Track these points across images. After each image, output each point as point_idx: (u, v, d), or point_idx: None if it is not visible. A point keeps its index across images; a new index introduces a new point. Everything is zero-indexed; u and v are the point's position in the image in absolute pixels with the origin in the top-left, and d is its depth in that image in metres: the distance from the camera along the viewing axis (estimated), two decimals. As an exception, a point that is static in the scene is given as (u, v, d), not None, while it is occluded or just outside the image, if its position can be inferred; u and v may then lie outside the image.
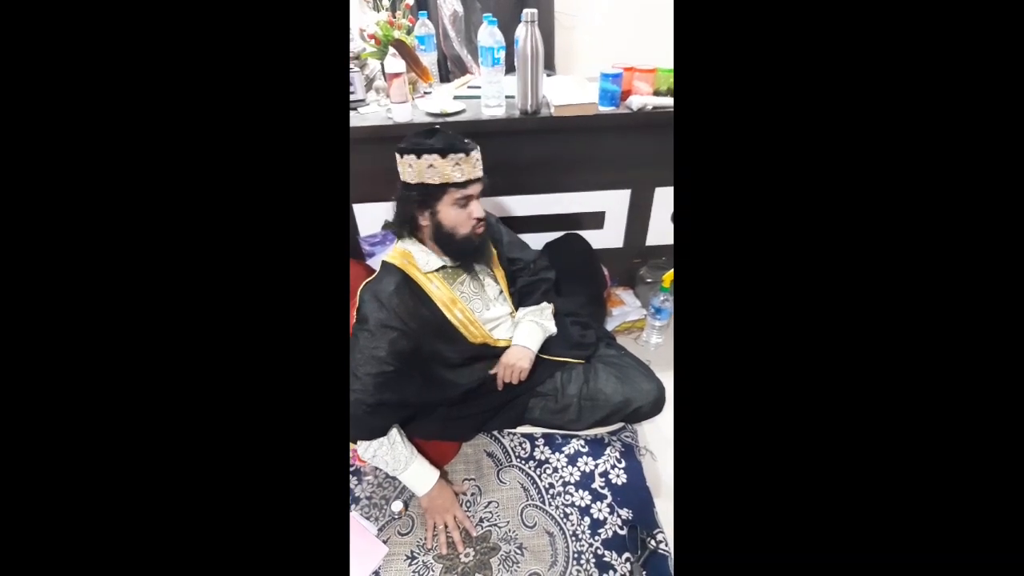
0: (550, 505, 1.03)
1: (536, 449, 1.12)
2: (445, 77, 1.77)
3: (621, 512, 1.01)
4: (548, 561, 0.95)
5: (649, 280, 1.54)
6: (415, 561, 0.96)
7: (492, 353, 1.09)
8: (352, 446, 1.00)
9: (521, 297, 1.14)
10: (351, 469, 1.12)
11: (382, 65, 1.32)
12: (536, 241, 1.36)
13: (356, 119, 1.25)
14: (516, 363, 1.05)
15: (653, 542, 0.96)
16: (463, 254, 1.01)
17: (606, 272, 1.47)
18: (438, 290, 1.00)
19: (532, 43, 1.13)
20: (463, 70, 1.70)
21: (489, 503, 1.04)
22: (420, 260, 0.99)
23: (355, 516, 1.03)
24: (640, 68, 1.27)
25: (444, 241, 0.98)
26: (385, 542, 0.99)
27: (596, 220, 1.45)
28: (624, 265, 1.57)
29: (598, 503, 1.02)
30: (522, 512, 1.02)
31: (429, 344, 1.00)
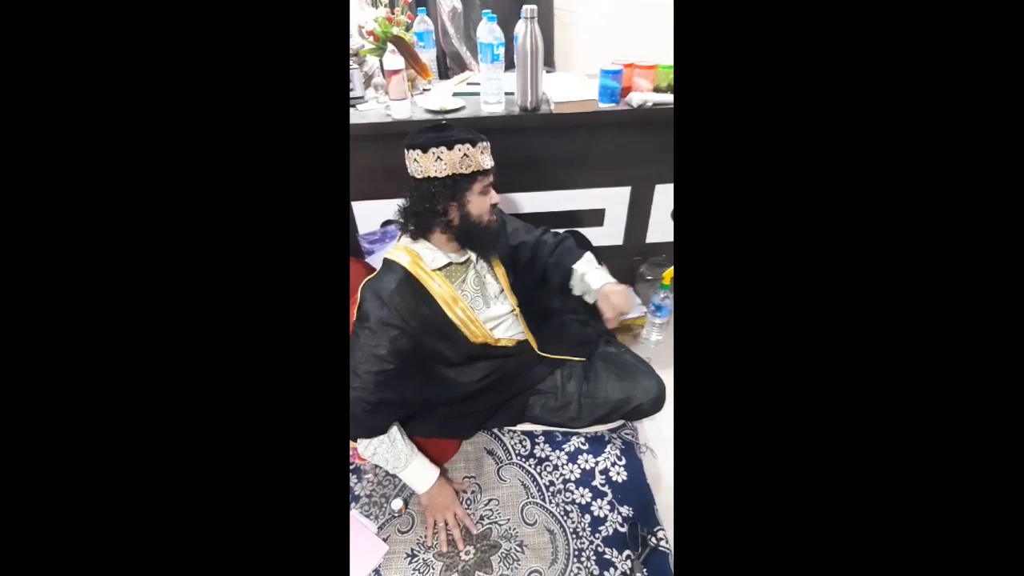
0: (551, 503, 1.03)
1: (536, 447, 1.12)
2: (444, 74, 1.76)
3: (622, 509, 1.01)
4: (549, 559, 0.95)
5: (649, 277, 1.54)
6: (415, 559, 0.96)
7: (492, 353, 1.08)
8: (352, 444, 1.00)
9: (561, 258, 1.13)
10: (351, 467, 1.11)
11: (381, 62, 1.31)
12: (536, 239, 1.35)
13: (355, 116, 1.24)
14: (619, 299, 1.04)
15: (654, 539, 0.96)
16: (488, 243, 1.01)
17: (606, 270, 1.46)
18: (440, 288, 0.99)
19: (531, 39, 1.12)
20: (462, 67, 1.70)
21: (489, 501, 1.04)
22: (426, 257, 0.99)
23: (355, 514, 1.03)
24: (640, 64, 1.26)
25: (470, 231, 0.96)
26: (385, 540, 0.99)
27: (596, 217, 1.45)
28: (624, 262, 1.57)
29: (599, 500, 1.02)
30: (522, 510, 1.02)
31: (429, 343, 1.00)
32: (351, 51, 1.34)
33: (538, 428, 1.15)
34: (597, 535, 0.97)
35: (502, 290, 1.09)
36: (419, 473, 1.00)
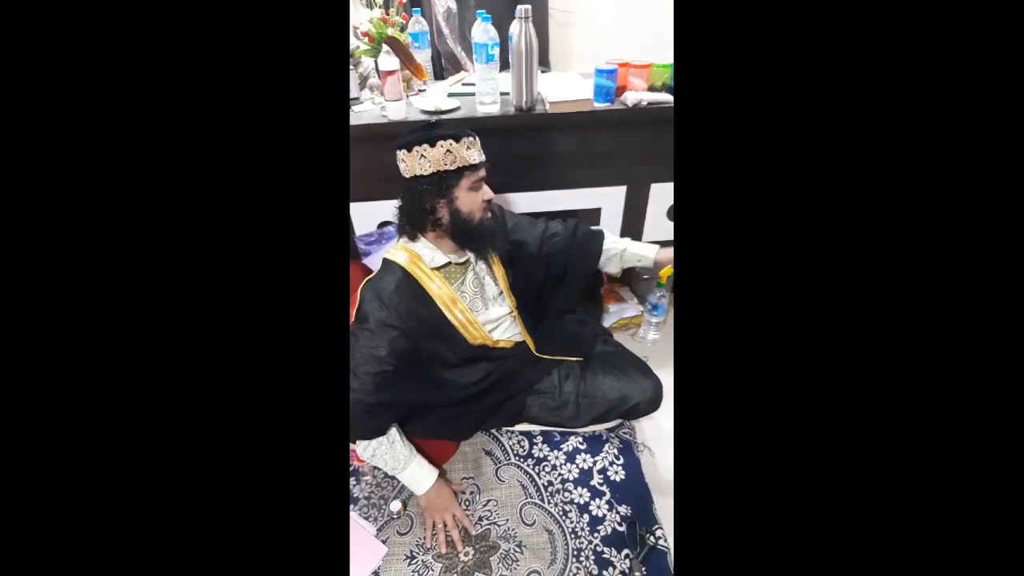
0: (549, 503, 1.03)
1: (535, 447, 1.12)
2: (439, 74, 1.76)
3: (620, 509, 1.01)
4: (548, 559, 0.95)
5: (645, 276, 1.54)
6: (414, 561, 0.96)
7: (490, 354, 1.08)
8: (351, 446, 1.00)
9: (585, 248, 1.16)
10: (350, 469, 1.11)
11: (376, 63, 1.31)
12: (533, 239, 1.35)
13: (350, 117, 1.24)
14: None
15: (652, 538, 0.96)
16: (481, 241, 1.00)
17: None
18: (439, 289, 0.99)
19: (526, 39, 1.12)
20: (457, 67, 1.69)
21: (488, 501, 1.04)
22: (426, 256, 0.99)
23: (354, 516, 1.03)
24: (635, 64, 1.26)
25: (461, 229, 0.96)
26: (384, 542, 0.99)
27: (592, 217, 1.45)
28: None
29: (597, 500, 1.02)
30: (521, 510, 1.02)
31: (428, 344, 1.00)
32: (346, 52, 1.34)
33: (536, 428, 1.15)
34: (596, 534, 0.98)
35: (501, 292, 1.09)
36: (418, 474, 1.00)
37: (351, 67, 1.32)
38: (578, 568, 0.93)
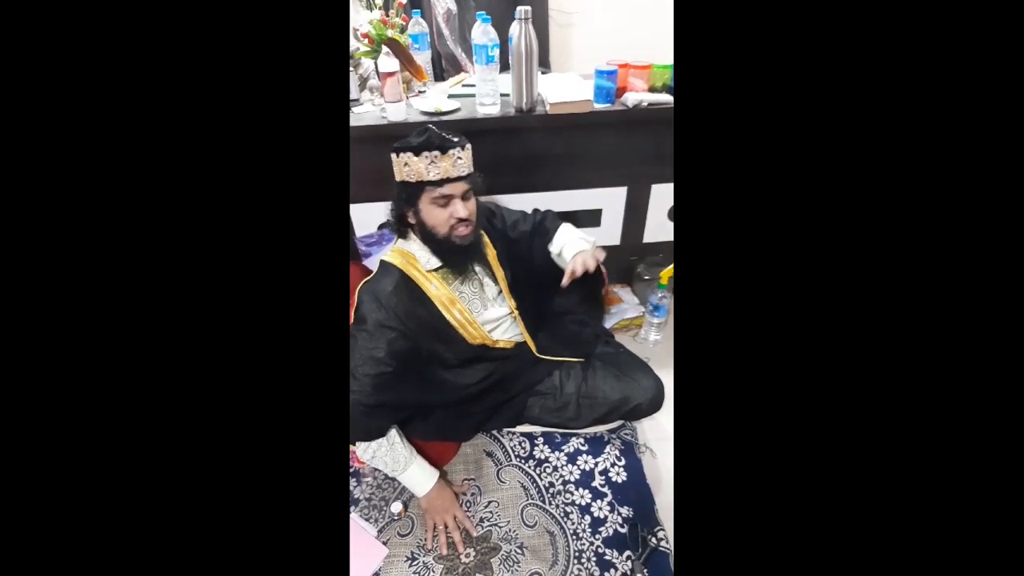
0: (550, 504, 1.02)
1: (536, 448, 1.11)
2: (440, 76, 1.76)
3: (621, 510, 1.01)
4: (549, 560, 0.95)
5: (647, 277, 1.54)
6: (415, 562, 0.96)
7: (490, 355, 1.08)
8: (351, 447, 1.00)
9: (536, 239, 1.14)
10: (350, 470, 1.11)
11: (376, 64, 1.31)
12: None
13: (351, 119, 1.24)
14: (584, 258, 1.01)
15: (654, 540, 0.96)
16: (446, 255, 0.99)
17: (603, 270, 1.46)
18: (437, 290, 0.99)
19: (526, 40, 1.12)
20: (458, 68, 1.70)
21: (489, 503, 1.04)
22: (421, 259, 0.99)
23: (355, 518, 1.03)
24: (635, 64, 1.26)
25: (428, 240, 0.98)
26: (385, 543, 0.99)
27: (593, 218, 1.44)
28: (621, 263, 1.57)
29: (598, 501, 1.02)
30: (522, 511, 1.02)
31: (427, 345, 1.00)
32: (346, 54, 1.34)
33: (537, 429, 1.15)
34: (597, 536, 0.97)
35: (500, 292, 1.09)
36: (418, 476, 1.00)
37: (351, 69, 1.32)
38: (580, 570, 0.93)
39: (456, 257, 1.00)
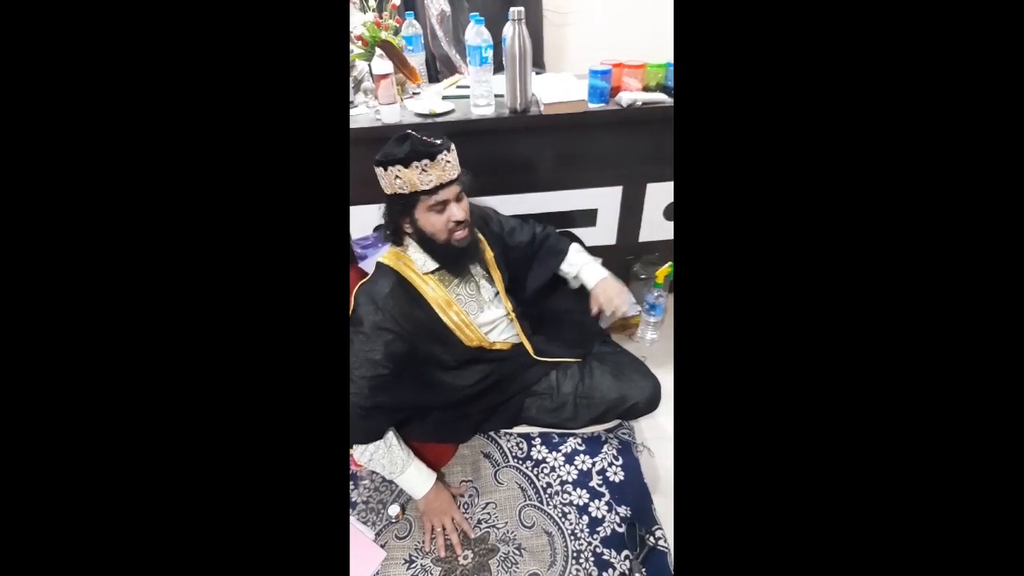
0: (548, 504, 1.02)
1: (533, 449, 1.11)
2: (434, 77, 1.76)
3: (619, 509, 1.01)
4: (547, 561, 0.94)
5: (643, 276, 1.54)
6: (413, 565, 0.96)
7: (487, 356, 1.08)
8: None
9: (549, 258, 1.15)
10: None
11: (369, 67, 1.31)
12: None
13: (345, 121, 1.24)
14: (615, 295, 1.08)
15: (652, 539, 0.96)
16: (447, 259, 0.99)
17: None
18: (433, 292, 0.99)
19: (520, 41, 1.12)
20: (452, 70, 1.70)
21: (487, 504, 1.04)
22: (417, 262, 0.99)
23: (352, 521, 1.03)
24: (629, 64, 1.27)
25: (428, 247, 0.98)
26: (383, 546, 0.98)
27: (588, 218, 1.45)
28: (617, 262, 1.57)
29: (596, 501, 1.02)
30: (520, 512, 1.02)
31: (424, 347, 1.00)
32: (340, 56, 1.34)
33: (535, 430, 1.15)
34: (595, 536, 0.97)
35: (497, 293, 1.08)
36: (415, 478, 0.99)
37: (345, 71, 1.32)
38: (578, 570, 0.93)
39: (456, 260, 1.00)
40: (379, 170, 0.91)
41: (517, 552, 0.96)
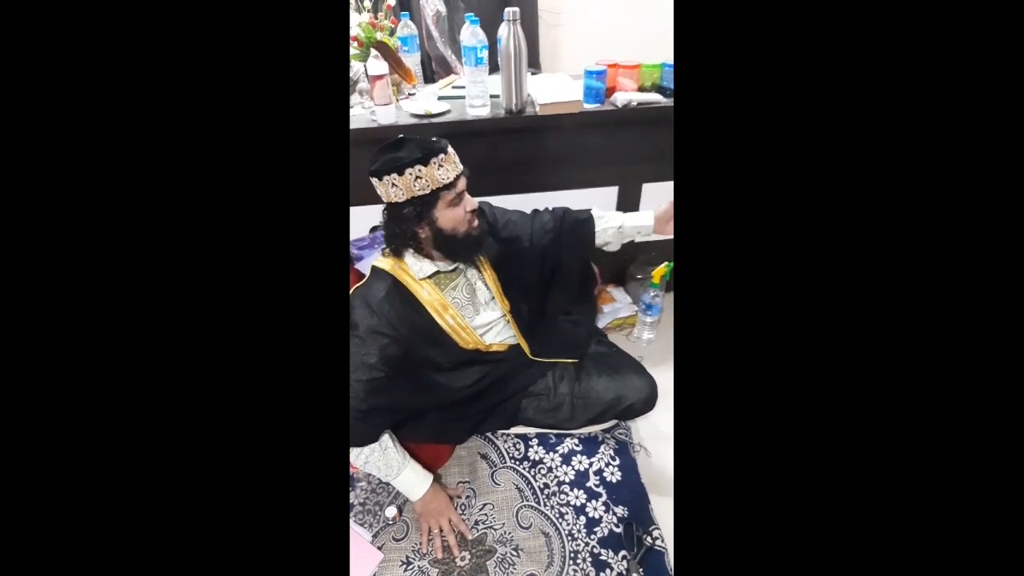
0: (545, 505, 1.02)
1: (530, 449, 1.11)
2: (429, 78, 1.76)
3: (616, 510, 1.01)
4: (544, 562, 0.94)
5: (639, 276, 1.55)
6: (411, 567, 0.95)
7: (484, 358, 1.08)
8: (344, 452, 1.00)
9: (581, 229, 1.11)
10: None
11: (365, 67, 1.31)
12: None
13: (340, 122, 1.23)
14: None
15: (649, 539, 0.96)
16: (468, 252, 0.98)
17: (596, 270, 1.46)
18: (429, 295, 0.99)
19: (515, 42, 1.12)
20: (447, 70, 1.69)
21: (484, 505, 1.03)
22: (413, 267, 0.98)
23: (349, 523, 1.02)
24: (624, 64, 1.27)
25: (446, 245, 0.95)
26: (380, 548, 0.98)
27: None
28: (614, 262, 1.57)
29: (593, 502, 1.02)
30: (517, 513, 1.02)
31: (420, 350, 1.00)
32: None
33: (531, 430, 1.14)
34: (592, 536, 0.97)
35: (493, 296, 1.08)
36: (412, 480, 0.99)
37: (340, 72, 1.31)
38: (575, 570, 0.93)
39: (472, 249, 0.98)
40: (390, 177, 0.87)
41: (514, 553, 0.96)
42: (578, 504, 1.02)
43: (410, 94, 1.41)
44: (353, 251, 1.38)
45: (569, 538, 0.97)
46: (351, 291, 0.99)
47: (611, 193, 1.41)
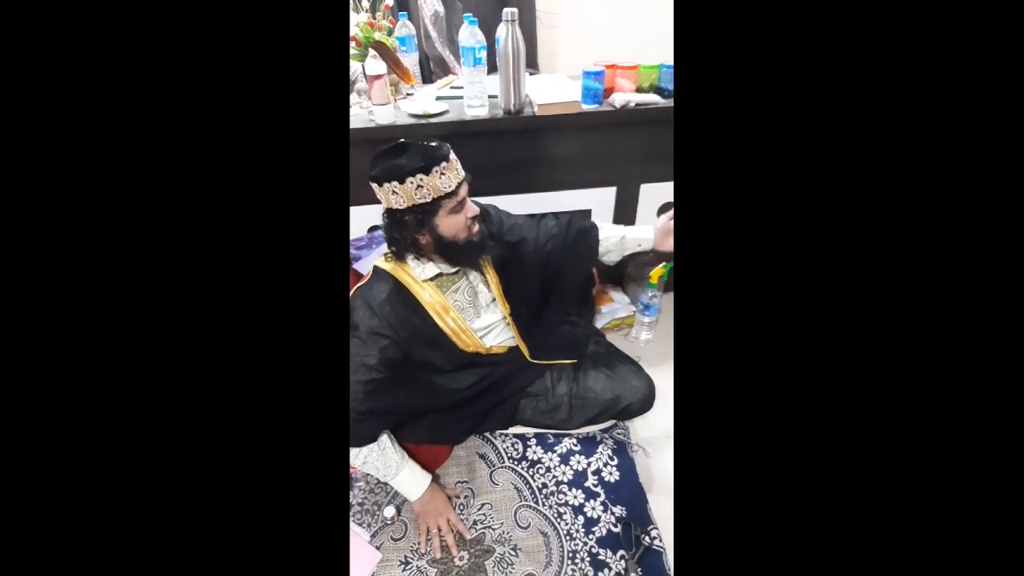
0: (544, 505, 1.02)
1: (528, 449, 1.11)
2: (427, 78, 1.76)
3: (615, 509, 1.01)
4: (543, 561, 0.95)
5: (637, 277, 1.55)
6: (409, 566, 0.95)
7: (483, 360, 1.08)
8: (342, 453, 0.99)
9: (586, 239, 1.14)
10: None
11: (363, 67, 1.31)
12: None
13: (338, 122, 1.23)
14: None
15: (647, 538, 0.96)
16: (470, 256, 0.97)
17: (594, 270, 1.47)
18: (430, 297, 0.99)
19: (513, 42, 1.12)
20: (445, 71, 1.70)
21: (482, 505, 1.03)
22: (415, 269, 0.98)
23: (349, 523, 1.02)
24: (622, 65, 1.27)
25: (447, 251, 0.94)
26: (378, 548, 0.98)
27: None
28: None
29: (591, 501, 1.02)
30: (516, 513, 1.02)
31: (419, 352, 1.00)
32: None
33: (530, 431, 1.15)
34: (591, 536, 0.97)
35: (494, 298, 1.08)
36: (410, 480, 0.99)
37: (338, 72, 1.31)
38: (574, 570, 0.93)
39: (474, 255, 0.98)
40: (391, 184, 0.85)
41: (513, 553, 0.96)
42: (576, 504, 1.02)
43: (408, 94, 1.41)
44: (351, 251, 1.38)
45: (567, 538, 0.97)
46: (352, 292, 0.99)
47: (609, 194, 1.42)
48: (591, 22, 2.19)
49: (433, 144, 0.87)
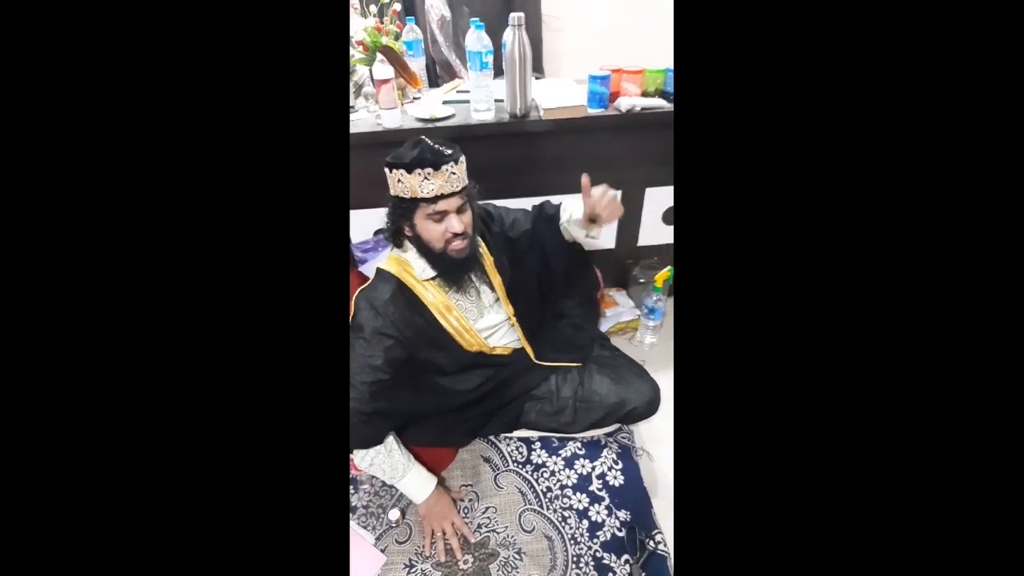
0: (548, 509, 1.02)
1: (533, 453, 1.11)
2: (434, 82, 1.77)
3: (619, 514, 1.01)
4: (547, 565, 0.94)
5: (642, 280, 1.55)
6: (413, 569, 0.95)
7: (487, 361, 1.08)
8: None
9: (546, 225, 1.11)
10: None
11: (371, 71, 1.32)
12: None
13: (345, 126, 1.24)
14: (600, 195, 0.99)
15: (652, 543, 0.96)
16: (444, 268, 0.98)
17: (599, 273, 1.47)
18: (433, 297, 0.99)
19: (519, 47, 1.13)
20: (452, 75, 1.70)
21: (487, 508, 1.04)
22: (416, 268, 0.98)
23: (352, 525, 1.02)
24: (628, 70, 1.27)
25: (425, 253, 0.97)
26: (383, 551, 0.98)
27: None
28: (617, 266, 1.57)
29: (596, 505, 1.02)
30: (520, 517, 1.02)
31: (424, 352, 1.00)
32: (340, 61, 1.34)
33: (534, 434, 1.15)
34: (595, 540, 0.97)
35: (497, 299, 1.08)
36: (416, 483, 0.99)
37: (346, 76, 1.32)
38: (578, 574, 0.93)
39: (453, 270, 0.98)
40: (386, 170, 0.91)
41: (517, 556, 0.96)
42: (581, 508, 1.02)
43: (415, 98, 1.42)
44: (357, 254, 1.38)
45: (572, 542, 0.97)
46: (356, 293, 1.00)
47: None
48: (596, 27, 2.20)
49: (442, 149, 0.88)
